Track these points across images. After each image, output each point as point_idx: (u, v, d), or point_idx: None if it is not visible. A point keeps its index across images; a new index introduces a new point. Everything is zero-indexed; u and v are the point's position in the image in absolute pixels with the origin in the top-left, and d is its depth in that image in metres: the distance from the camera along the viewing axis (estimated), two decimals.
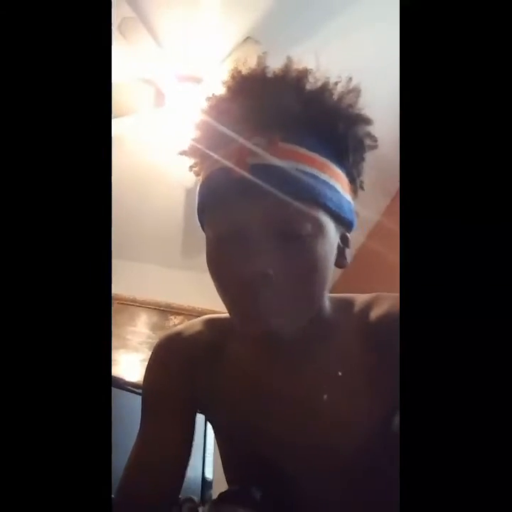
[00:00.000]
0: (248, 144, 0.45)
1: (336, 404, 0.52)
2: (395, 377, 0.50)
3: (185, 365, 0.59)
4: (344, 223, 0.50)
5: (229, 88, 0.49)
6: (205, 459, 1.74)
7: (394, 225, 2.20)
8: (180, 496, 0.59)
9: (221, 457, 0.63)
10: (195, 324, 0.63)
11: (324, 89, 0.47)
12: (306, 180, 0.45)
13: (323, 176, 0.46)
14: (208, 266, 0.50)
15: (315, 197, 0.45)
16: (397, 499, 0.54)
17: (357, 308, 0.56)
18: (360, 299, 0.58)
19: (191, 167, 0.56)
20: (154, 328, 2.71)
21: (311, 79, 0.47)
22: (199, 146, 0.52)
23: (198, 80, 1.78)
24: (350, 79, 0.48)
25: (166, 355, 0.61)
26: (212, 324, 0.62)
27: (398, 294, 0.55)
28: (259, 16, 1.64)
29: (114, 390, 1.67)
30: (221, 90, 0.50)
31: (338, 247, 0.51)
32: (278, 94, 0.46)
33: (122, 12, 1.53)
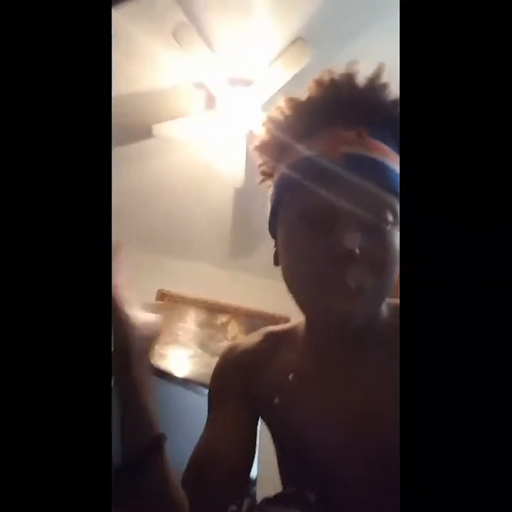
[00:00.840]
0: (341, 133, 0.48)
1: (388, 410, 0.52)
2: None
3: (241, 371, 0.63)
4: None
5: (314, 91, 0.52)
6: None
7: None
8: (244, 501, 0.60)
9: (277, 458, 0.64)
10: (254, 336, 0.67)
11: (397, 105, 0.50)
12: (391, 174, 0.48)
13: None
14: (284, 249, 0.52)
15: (396, 190, 0.48)
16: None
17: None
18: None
19: (260, 166, 0.59)
20: (202, 325, 2.77)
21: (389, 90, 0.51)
22: (274, 139, 0.55)
23: (248, 83, 1.80)
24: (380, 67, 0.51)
25: (225, 364, 0.66)
26: (270, 336, 0.65)
27: None
28: (309, 17, 1.63)
29: (162, 383, 1.72)
30: (303, 94, 0.53)
31: None
32: (367, 97, 0.50)
33: (177, 18, 1.58)
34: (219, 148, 2.15)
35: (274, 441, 0.64)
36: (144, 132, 2.09)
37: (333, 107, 0.50)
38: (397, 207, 0.48)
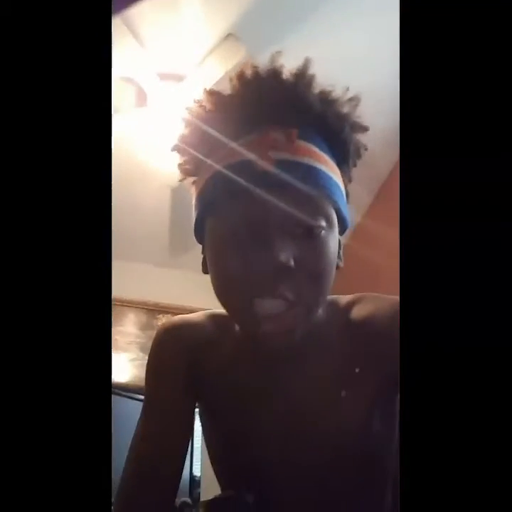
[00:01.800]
0: (270, 136, 0.46)
1: (320, 407, 0.52)
2: (375, 376, 0.51)
3: (185, 355, 0.59)
4: (343, 225, 0.52)
5: (236, 86, 0.49)
6: (194, 457, 1.74)
7: (376, 226, 2.19)
8: (176, 499, 0.59)
9: (211, 459, 0.62)
10: (199, 316, 0.63)
11: (328, 96, 0.49)
12: (322, 179, 0.47)
13: (334, 177, 0.49)
14: (214, 262, 0.49)
15: (330, 195, 0.47)
16: (389, 501, 0.55)
17: (340, 308, 0.57)
18: (343, 299, 0.59)
19: (180, 165, 0.55)
20: (143, 327, 2.70)
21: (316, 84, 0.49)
22: (195, 142, 0.52)
23: (180, 78, 1.77)
24: (348, 88, 0.50)
25: (169, 342, 0.61)
26: (218, 317, 0.61)
27: (380, 294, 0.57)
28: (241, 13, 1.63)
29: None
30: (226, 87, 0.50)
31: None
32: (294, 94, 0.47)
33: None
34: (152, 147, 2.10)
35: (209, 441, 0.62)
36: None
37: (257, 105, 0.47)
38: (331, 212, 0.48)
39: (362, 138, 0.53)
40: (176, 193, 2.37)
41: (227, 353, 0.58)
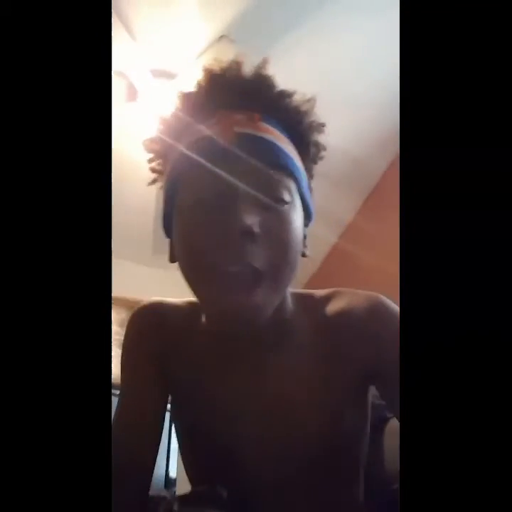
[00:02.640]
0: (233, 116, 0.48)
1: (294, 401, 0.52)
2: (348, 371, 0.52)
3: (156, 341, 0.58)
4: (307, 212, 0.53)
5: (203, 85, 0.52)
6: (170, 457, 1.73)
7: (368, 225, 2.19)
8: (153, 494, 0.58)
9: (183, 456, 0.61)
10: (178, 301, 0.62)
11: (285, 95, 0.52)
12: (284, 156, 0.48)
13: (295, 159, 0.50)
14: (182, 239, 0.49)
15: (292, 170, 0.49)
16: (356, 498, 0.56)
17: (314, 302, 0.57)
18: (318, 293, 0.59)
19: (150, 160, 0.57)
20: (122, 324, 2.67)
21: (275, 84, 0.52)
22: (165, 133, 0.54)
23: (171, 76, 1.77)
24: (305, 94, 0.53)
25: (142, 324, 0.60)
26: (194, 307, 0.60)
27: (355, 290, 0.57)
28: (236, 15, 1.64)
29: None
30: (194, 86, 0.52)
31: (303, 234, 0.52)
32: (254, 87, 0.50)
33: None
34: (140, 143, 2.08)
35: (181, 436, 0.61)
36: None
37: (222, 95, 0.50)
38: (294, 189, 0.49)
39: (320, 138, 0.55)
40: (161, 192, 2.35)
41: (197, 343, 0.57)
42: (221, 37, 1.64)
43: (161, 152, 0.55)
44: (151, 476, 0.55)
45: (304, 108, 0.53)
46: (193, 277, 0.49)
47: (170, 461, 1.75)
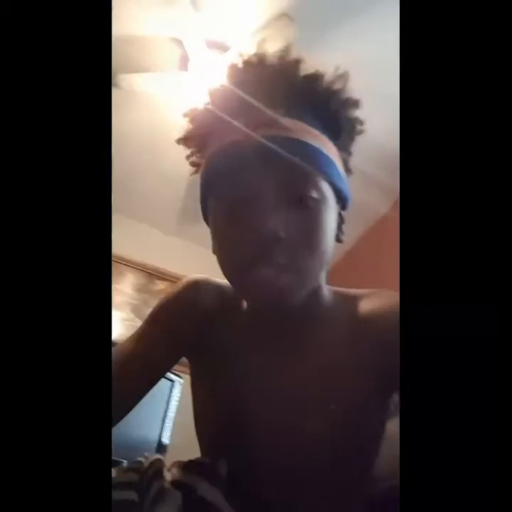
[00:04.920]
0: (258, 117, 0.49)
1: (316, 390, 0.53)
2: (374, 368, 0.52)
3: (196, 315, 0.61)
4: (341, 198, 0.54)
5: (230, 77, 0.53)
6: (165, 423, 1.77)
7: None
8: (146, 456, 0.59)
9: (196, 425, 0.63)
10: (222, 282, 0.65)
11: (316, 76, 0.52)
12: (312, 152, 0.49)
13: (325, 151, 0.51)
14: (214, 235, 0.53)
15: (319, 167, 0.49)
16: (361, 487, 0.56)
17: (349, 299, 0.58)
18: (356, 292, 0.60)
19: (188, 156, 0.59)
20: (139, 289, 2.72)
21: (304, 67, 0.51)
22: (202, 126, 0.56)
23: (225, 49, 1.75)
24: (338, 67, 0.52)
25: (195, 295, 0.63)
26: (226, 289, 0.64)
27: (393, 292, 0.57)
28: None
29: None
30: (222, 80, 0.53)
31: (337, 221, 0.54)
32: (277, 79, 0.51)
33: None
34: (184, 112, 2.08)
35: (198, 401, 0.63)
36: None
37: (248, 90, 0.51)
38: (323, 183, 0.50)
39: (358, 113, 0.55)
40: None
41: (237, 320, 0.60)
42: (282, 15, 1.61)
43: (198, 146, 0.57)
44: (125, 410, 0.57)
45: (336, 86, 0.52)
46: (224, 271, 0.52)
47: (164, 428, 1.78)
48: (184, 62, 1.86)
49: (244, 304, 0.61)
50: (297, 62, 0.51)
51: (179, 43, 1.79)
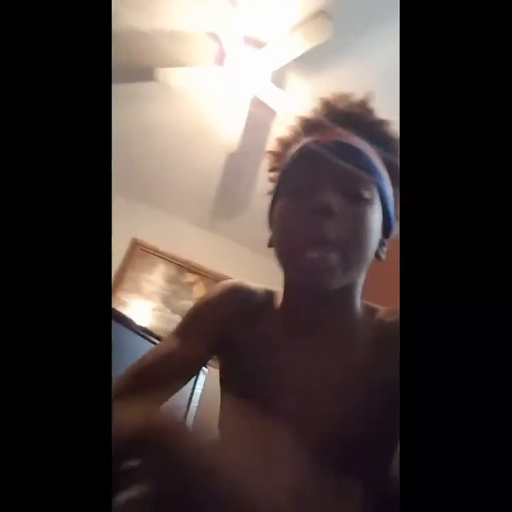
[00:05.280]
0: (334, 129, 0.57)
1: (340, 393, 0.55)
2: (391, 382, 0.52)
3: (230, 319, 0.64)
4: (387, 217, 0.58)
5: (320, 110, 0.60)
6: (190, 406, 1.81)
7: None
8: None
9: (222, 413, 0.65)
10: (260, 289, 0.68)
11: (383, 124, 0.59)
12: (369, 161, 0.56)
13: (380, 169, 0.57)
14: (276, 220, 0.58)
15: (374, 175, 0.56)
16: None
17: (378, 313, 0.61)
18: (385, 308, 0.62)
19: (270, 170, 0.65)
20: (170, 281, 2.77)
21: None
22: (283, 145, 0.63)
23: (261, 45, 1.75)
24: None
25: (230, 300, 0.66)
26: (270, 297, 0.67)
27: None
28: None
29: (120, 329, 1.73)
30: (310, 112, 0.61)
31: (380, 237, 0.58)
32: (355, 117, 0.58)
33: None
34: (220, 108, 2.09)
35: (225, 393, 0.65)
36: (146, 74, 2.02)
37: (330, 119, 0.59)
38: (374, 188, 0.56)
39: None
40: (231, 159, 2.37)
41: (269, 320, 0.63)
42: (319, 12, 1.60)
43: (280, 158, 0.63)
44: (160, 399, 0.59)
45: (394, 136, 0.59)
46: (277, 245, 0.57)
47: (189, 410, 1.82)
48: (221, 58, 1.88)
49: (278, 303, 0.64)
50: (371, 110, 0.59)
51: (216, 38, 1.80)
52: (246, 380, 0.61)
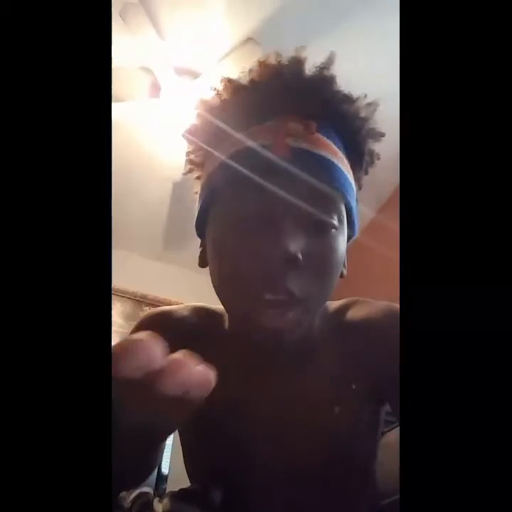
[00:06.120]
0: (288, 124, 0.44)
1: (315, 414, 0.51)
2: (366, 385, 0.50)
3: (187, 332, 0.56)
4: (351, 229, 0.50)
5: (258, 71, 0.48)
6: (163, 453, 1.75)
7: (390, 222, 2.19)
8: (134, 491, 0.58)
9: (184, 452, 0.60)
10: (186, 308, 0.61)
11: (348, 101, 0.48)
12: (339, 176, 0.45)
13: (349, 177, 0.47)
14: (218, 252, 0.46)
15: (345, 194, 0.45)
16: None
17: (332, 312, 0.56)
18: (335, 304, 0.58)
19: (189, 153, 0.54)
20: (127, 318, 2.69)
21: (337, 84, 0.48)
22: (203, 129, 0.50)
23: (195, 75, 1.78)
24: (365, 95, 0.49)
25: (184, 313, 0.59)
26: (205, 314, 0.59)
27: (369, 299, 0.56)
28: (263, 18, 1.64)
29: None
30: (248, 82, 0.48)
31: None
32: (315, 86, 0.46)
33: None
34: (159, 139, 2.10)
35: (185, 431, 0.59)
36: None
37: (278, 94, 0.46)
38: (343, 209, 0.46)
39: (375, 146, 0.52)
40: (178, 188, 2.37)
41: (212, 352, 0.56)
42: (248, 39, 1.65)
43: (205, 145, 0.51)
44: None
45: (363, 114, 0.49)
46: (225, 291, 0.47)
47: (163, 457, 1.76)
48: (155, 90, 1.89)
49: (227, 323, 0.56)
50: (334, 79, 0.47)
51: (149, 71, 1.82)
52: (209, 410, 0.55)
